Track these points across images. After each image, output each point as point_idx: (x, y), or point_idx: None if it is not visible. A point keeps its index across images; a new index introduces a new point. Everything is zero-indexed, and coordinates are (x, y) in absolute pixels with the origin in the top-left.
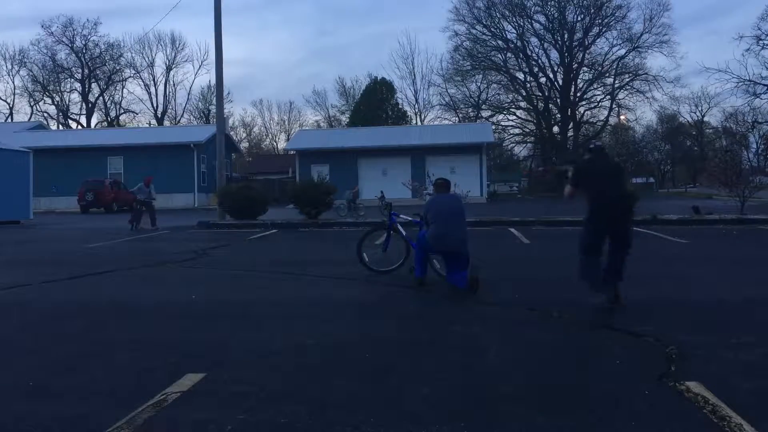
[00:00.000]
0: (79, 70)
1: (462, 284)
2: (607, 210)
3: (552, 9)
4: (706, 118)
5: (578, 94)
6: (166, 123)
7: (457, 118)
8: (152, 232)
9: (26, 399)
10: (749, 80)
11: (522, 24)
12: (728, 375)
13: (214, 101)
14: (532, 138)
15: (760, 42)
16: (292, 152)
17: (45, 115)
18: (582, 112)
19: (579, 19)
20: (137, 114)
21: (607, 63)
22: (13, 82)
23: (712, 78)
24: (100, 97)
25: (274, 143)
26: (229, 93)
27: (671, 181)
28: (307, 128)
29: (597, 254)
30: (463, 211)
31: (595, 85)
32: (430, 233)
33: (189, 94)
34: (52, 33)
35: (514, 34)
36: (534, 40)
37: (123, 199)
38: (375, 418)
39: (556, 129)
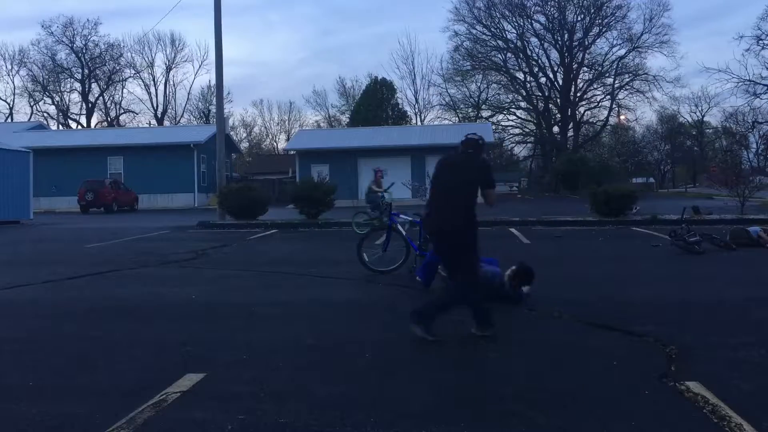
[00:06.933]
0: (79, 70)
1: None
2: None
3: (552, 9)
4: (706, 118)
5: (578, 94)
6: (166, 123)
7: (457, 118)
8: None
9: (26, 399)
10: (749, 80)
11: (522, 24)
12: (728, 375)
13: (214, 101)
14: (532, 138)
15: (760, 42)
16: (292, 152)
17: (45, 115)
18: (582, 112)
19: (579, 19)
20: (137, 114)
21: (607, 63)
22: (13, 82)
23: (712, 78)
24: (100, 97)
25: (274, 143)
26: (229, 93)
27: (671, 181)
28: (307, 128)
29: None
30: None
31: (595, 85)
32: None
33: (189, 94)
34: (52, 33)
35: (514, 34)
36: (534, 40)
37: (123, 199)
38: (375, 418)
39: (556, 129)
